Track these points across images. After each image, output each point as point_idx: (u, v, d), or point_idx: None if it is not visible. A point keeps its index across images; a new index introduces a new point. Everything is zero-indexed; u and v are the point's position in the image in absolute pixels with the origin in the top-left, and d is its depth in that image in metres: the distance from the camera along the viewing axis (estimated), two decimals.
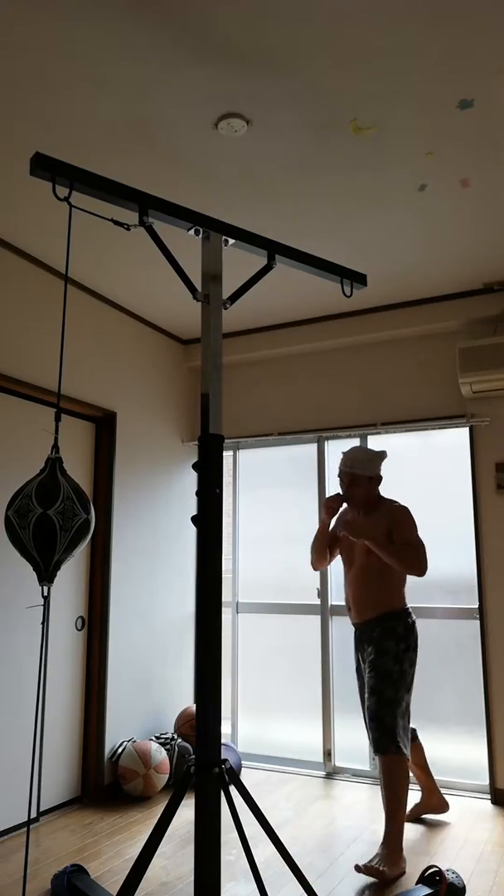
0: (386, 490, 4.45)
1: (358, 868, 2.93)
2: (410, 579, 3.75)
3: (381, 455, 3.39)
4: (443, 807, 3.56)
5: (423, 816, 3.59)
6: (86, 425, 4.13)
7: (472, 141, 2.69)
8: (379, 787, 3.37)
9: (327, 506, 3.42)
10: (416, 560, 3.19)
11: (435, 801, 3.55)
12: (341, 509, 3.53)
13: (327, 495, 4.55)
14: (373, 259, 3.69)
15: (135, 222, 2.12)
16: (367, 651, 3.30)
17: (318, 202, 3.13)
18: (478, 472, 4.10)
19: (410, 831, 3.40)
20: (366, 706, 3.21)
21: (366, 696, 3.22)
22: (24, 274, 3.64)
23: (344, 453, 3.42)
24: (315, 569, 3.58)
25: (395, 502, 3.39)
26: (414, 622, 3.30)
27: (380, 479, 3.40)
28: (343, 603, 4.44)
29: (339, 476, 3.41)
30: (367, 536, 3.19)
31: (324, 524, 3.49)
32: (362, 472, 3.34)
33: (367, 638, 3.30)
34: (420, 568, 3.19)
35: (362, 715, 3.31)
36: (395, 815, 3.03)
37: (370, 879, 2.90)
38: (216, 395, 2.11)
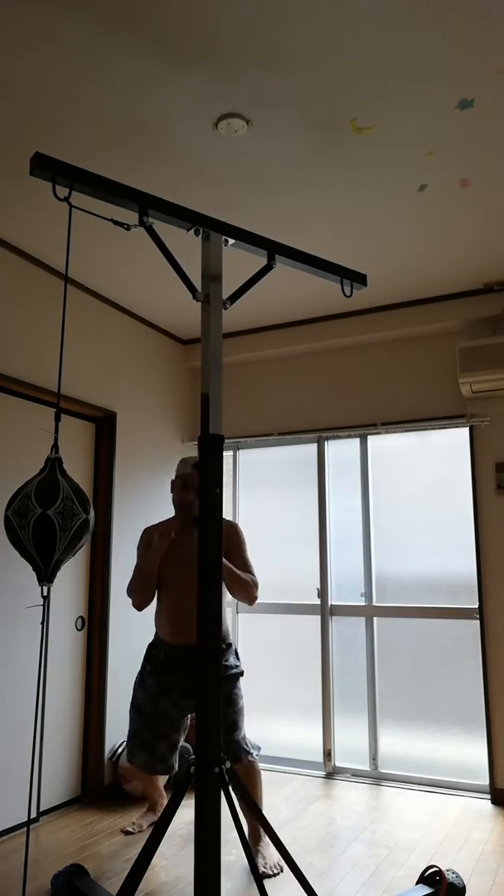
0: (386, 490, 4.45)
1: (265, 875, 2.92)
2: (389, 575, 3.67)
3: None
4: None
5: (408, 817, 3.59)
6: (86, 425, 4.13)
7: (472, 141, 2.69)
8: (376, 787, 3.34)
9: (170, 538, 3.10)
10: (252, 590, 3.09)
11: (158, 805, 3.54)
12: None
13: (327, 495, 4.56)
14: (373, 259, 3.69)
15: (135, 222, 2.12)
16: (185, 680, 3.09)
17: (318, 202, 3.13)
18: (478, 472, 4.10)
19: (410, 831, 3.40)
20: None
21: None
22: (24, 274, 3.64)
23: (184, 461, 3.18)
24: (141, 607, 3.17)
25: (230, 521, 3.22)
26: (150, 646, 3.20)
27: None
28: (341, 603, 4.44)
29: (185, 482, 3.13)
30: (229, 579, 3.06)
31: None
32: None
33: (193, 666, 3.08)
34: (250, 596, 3.08)
35: (139, 735, 3.13)
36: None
37: (370, 879, 2.90)
38: (216, 395, 2.11)
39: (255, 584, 3.09)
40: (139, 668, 3.21)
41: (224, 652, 3.12)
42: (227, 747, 3.06)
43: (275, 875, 2.93)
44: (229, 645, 3.18)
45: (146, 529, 3.25)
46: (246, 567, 3.13)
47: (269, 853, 3.05)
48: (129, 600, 4.21)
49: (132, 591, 3.13)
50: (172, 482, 3.21)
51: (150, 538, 3.17)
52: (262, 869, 2.95)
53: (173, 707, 3.09)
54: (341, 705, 4.39)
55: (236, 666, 3.17)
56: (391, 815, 3.61)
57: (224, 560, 3.02)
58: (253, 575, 3.12)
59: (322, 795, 3.94)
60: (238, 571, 3.05)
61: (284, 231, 3.40)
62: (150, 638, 4.36)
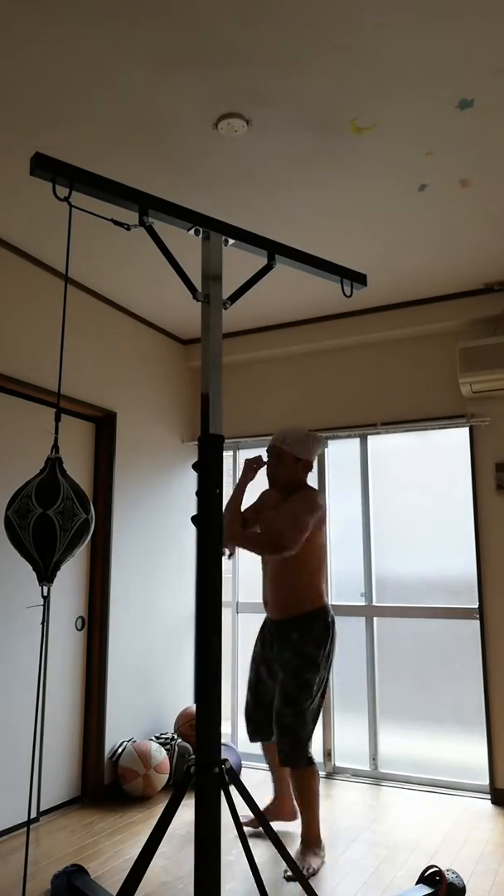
0: (386, 490, 4.45)
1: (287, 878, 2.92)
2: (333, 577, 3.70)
3: (319, 440, 3.19)
4: (291, 815, 3.38)
5: (405, 821, 3.59)
6: (86, 425, 4.13)
7: (472, 141, 2.69)
8: (376, 787, 3.34)
9: (247, 465, 3.20)
10: (266, 542, 3.00)
11: (285, 809, 3.40)
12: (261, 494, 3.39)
13: (327, 495, 4.56)
14: (373, 259, 3.69)
15: (135, 222, 2.12)
16: (280, 651, 3.11)
17: (318, 202, 3.13)
18: (478, 472, 4.10)
19: (410, 831, 3.40)
20: (277, 713, 3.05)
21: (277, 701, 3.07)
22: (24, 274, 3.64)
23: (280, 429, 3.25)
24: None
25: (309, 488, 3.17)
26: (331, 621, 3.11)
27: (309, 465, 3.19)
28: (341, 603, 4.44)
29: (268, 450, 3.24)
30: (233, 542, 3.06)
31: (239, 486, 3.25)
32: (291, 450, 3.15)
33: (282, 638, 3.11)
34: (270, 547, 2.97)
35: (249, 700, 3.26)
36: (314, 822, 3.08)
37: (370, 879, 2.90)
38: (216, 395, 2.11)
39: (268, 541, 2.99)
40: (324, 653, 3.10)
41: (301, 633, 3.05)
42: (279, 748, 3.04)
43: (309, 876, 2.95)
44: (306, 628, 3.06)
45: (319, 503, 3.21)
46: (279, 524, 3.02)
47: (310, 862, 3.02)
48: (130, 600, 4.21)
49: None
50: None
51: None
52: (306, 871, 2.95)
53: (268, 675, 3.21)
54: (341, 705, 4.39)
55: (314, 655, 3.03)
56: (391, 815, 3.61)
57: (238, 531, 3.11)
58: (275, 529, 2.99)
59: (322, 795, 3.93)
60: (247, 534, 3.11)
61: (284, 231, 3.40)
62: (150, 637, 4.38)
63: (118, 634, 4.09)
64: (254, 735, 3.31)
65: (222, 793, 1.92)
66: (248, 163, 2.83)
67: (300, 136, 2.66)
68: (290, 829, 3.36)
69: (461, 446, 4.25)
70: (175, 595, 4.65)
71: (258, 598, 4.72)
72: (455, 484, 4.24)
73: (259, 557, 3.29)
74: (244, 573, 4.82)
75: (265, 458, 3.28)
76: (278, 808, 3.42)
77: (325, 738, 4.36)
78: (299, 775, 3.05)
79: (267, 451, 3.24)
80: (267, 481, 3.29)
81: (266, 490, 3.37)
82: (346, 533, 4.51)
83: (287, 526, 3.00)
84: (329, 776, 4.27)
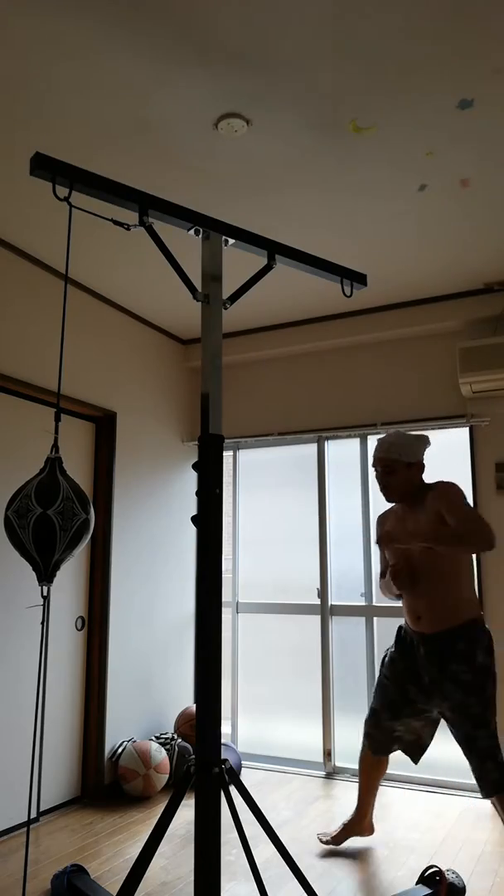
0: None
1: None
2: None
3: (423, 439, 3.03)
4: (369, 830, 3.24)
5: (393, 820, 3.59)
6: (86, 425, 4.13)
7: (472, 141, 2.69)
8: (374, 788, 3.27)
9: (384, 542, 2.86)
10: (473, 534, 2.69)
11: (366, 824, 3.23)
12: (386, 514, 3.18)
13: (327, 495, 4.56)
14: (373, 259, 3.69)
15: (135, 222, 2.13)
16: (443, 668, 2.84)
17: (318, 202, 3.13)
18: (478, 472, 4.10)
19: (410, 831, 3.40)
20: (464, 734, 2.76)
21: (463, 726, 2.76)
22: (24, 274, 3.64)
23: (379, 439, 3.06)
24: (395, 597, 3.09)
25: (441, 482, 2.95)
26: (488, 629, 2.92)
27: (422, 466, 3.02)
28: (341, 603, 4.44)
29: (374, 465, 3.04)
30: (418, 539, 2.74)
31: (393, 561, 2.99)
32: (400, 457, 2.97)
33: (443, 651, 2.84)
34: (482, 540, 2.69)
35: (385, 716, 3.03)
36: None
37: (370, 880, 2.90)
38: (216, 395, 2.11)
39: (475, 531, 2.71)
40: (491, 661, 2.84)
41: (471, 651, 2.80)
42: (474, 772, 2.75)
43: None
44: (475, 639, 2.81)
45: (379, 519, 3.19)
46: (463, 522, 2.77)
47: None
48: (130, 600, 4.21)
49: (386, 595, 3.14)
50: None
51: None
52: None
53: (421, 695, 2.94)
54: (341, 705, 4.39)
55: (484, 672, 2.78)
56: (391, 815, 3.61)
57: (429, 540, 2.73)
58: (473, 523, 2.75)
59: (322, 795, 3.94)
60: (448, 537, 2.73)
61: (285, 231, 3.40)
62: (150, 637, 4.38)
63: (118, 634, 4.09)
64: (378, 749, 3.12)
65: (222, 793, 1.92)
66: (248, 163, 2.83)
67: (300, 136, 2.66)
68: (370, 843, 3.25)
69: (461, 446, 4.25)
70: (175, 595, 4.65)
71: (258, 598, 4.74)
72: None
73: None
74: (244, 573, 4.82)
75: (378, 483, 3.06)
76: (362, 824, 3.23)
77: (325, 738, 4.36)
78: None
79: (373, 465, 3.05)
80: (383, 496, 3.06)
81: (387, 511, 3.19)
82: (346, 533, 4.51)
83: (479, 519, 2.77)
84: (329, 776, 4.27)
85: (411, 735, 3.10)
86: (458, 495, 2.87)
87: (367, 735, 3.16)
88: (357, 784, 3.24)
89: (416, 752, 3.13)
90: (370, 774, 3.19)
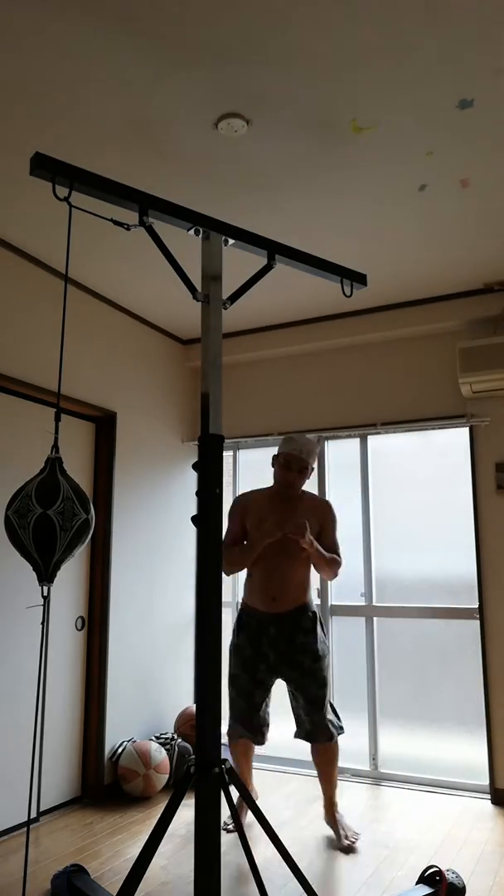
0: (386, 490, 4.45)
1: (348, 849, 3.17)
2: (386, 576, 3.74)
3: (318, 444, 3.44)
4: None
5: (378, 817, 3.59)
6: (86, 425, 4.13)
7: (472, 141, 2.69)
8: (322, 777, 3.40)
9: (274, 528, 3.20)
10: (339, 564, 3.32)
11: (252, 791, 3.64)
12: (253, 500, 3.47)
13: (327, 495, 4.56)
14: (373, 259, 3.69)
15: (135, 222, 2.13)
16: (293, 640, 3.28)
17: (318, 202, 3.13)
18: (478, 472, 4.10)
19: (410, 831, 3.40)
20: (311, 695, 3.25)
21: (310, 688, 3.25)
22: (24, 274, 3.64)
23: (293, 439, 3.32)
24: (231, 573, 3.44)
25: (325, 499, 3.46)
26: None
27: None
28: (341, 603, 4.44)
29: (287, 464, 3.31)
30: (302, 537, 3.12)
31: (273, 540, 3.27)
32: (311, 462, 3.34)
33: (296, 627, 3.30)
34: (338, 572, 3.33)
35: (244, 706, 3.31)
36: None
37: (370, 880, 2.90)
38: (216, 395, 2.11)
39: (340, 563, 3.33)
40: (233, 635, 3.38)
41: (313, 625, 3.34)
42: (314, 727, 3.27)
43: (355, 842, 3.23)
44: (315, 615, 3.37)
45: (239, 498, 3.47)
46: (335, 546, 3.38)
47: (346, 823, 3.35)
48: (129, 600, 4.21)
49: (226, 569, 3.37)
50: (275, 457, 3.42)
51: (245, 511, 3.39)
52: (345, 842, 3.20)
53: (267, 673, 3.32)
54: (341, 705, 4.38)
55: (324, 641, 3.37)
56: (391, 815, 3.61)
57: (314, 542, 3.22)
58: (338, 555, 3.36)
59: (322, 795, 3.93)
60: (326, 554, 3.28)
61: (284, 231, 3.40)
62: (150, 637, 4.38)
63: (118, 634, 4.09)
64: (260, 737, 3.38)
65: (222, 793, 1.92)
66: (248, 163, 2.83)
67: (300, 135, 2.66)
68: (370, 843, 3.29)
69: (461, 446, 4.25)
70: (175, 595, 4.65)
71: None
72: (455, 484, 4.24)
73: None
74: (244, 573, 4.81)
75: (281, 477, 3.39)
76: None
77: None
78: (335, 745, 3.34)
79: (286, 464, 3.33)
80: (283, 489, 3.38)
81: (254, 494, 3.47)
82: (346, 533, 4.50)
83: (338, 550, 3.41)
84: None
85: (265, 710, 3.40)
86: (336, 520, 3.43)
87: (248, 730, 3.35)
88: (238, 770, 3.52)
89: (266, 725, 3.42)
90: (248, 757, 3.50)
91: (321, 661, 3.28)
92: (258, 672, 3.31)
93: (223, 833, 3.37)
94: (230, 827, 3.43)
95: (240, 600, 3.49)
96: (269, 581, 3.31)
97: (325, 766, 3.32)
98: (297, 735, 3.36)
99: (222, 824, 3.43)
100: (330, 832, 3.39)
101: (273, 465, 3.42)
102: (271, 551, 3.31)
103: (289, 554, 3.31)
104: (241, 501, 3.46)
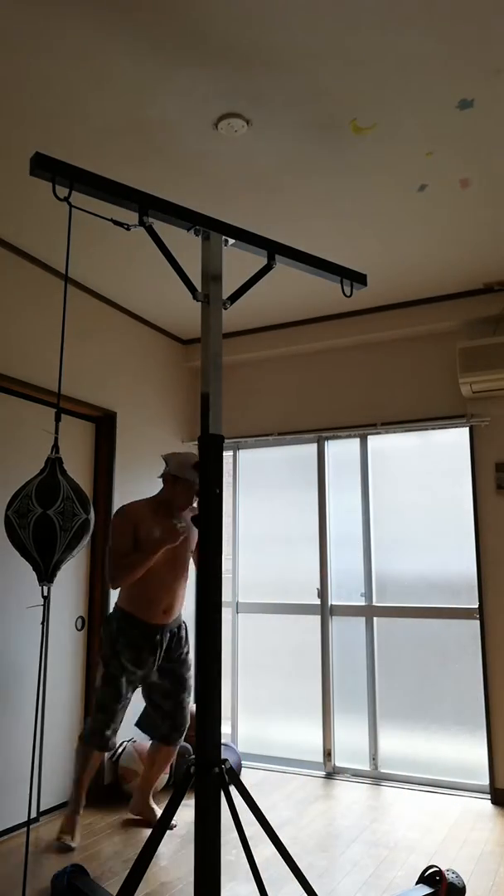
0: (386, 490, 4.46)
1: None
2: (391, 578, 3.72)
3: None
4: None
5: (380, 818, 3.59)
6: (86, 425, 4.13)
7: (472, 141, 2.69)
8: (160, 770, 3.51)
9: (176, 536, 3.20)
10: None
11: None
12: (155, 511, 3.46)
13: (327, 495, 4.56)
14: (373, 259, 3.69)
15: (135, 222, 2.13)
16: (179, 648, 3.43)
17: (318, 202, 3.13)
18: (478, 472, 4.10)
19: (410, 831, 3.40)
20: (181, 701, 3.43)
21: (183, 693, 3.43)
22: (25, 274, 3.64)
23: (194, 467, 3.26)
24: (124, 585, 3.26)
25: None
26: None
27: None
28: (341, 602, 4.44)
29: (191, 487, 3.35)
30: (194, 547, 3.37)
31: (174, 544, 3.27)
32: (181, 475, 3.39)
33: (181, 636, 3.46)
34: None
35: (123, 714, 3.33)
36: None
37: (370, 880, 2.90)
38: (216, 395, 2.11)
39: (109, 576, 3.28)
40: (111, 645, 3.31)
41: (187, 635, 3.55)
42: (175, 728, 3.45)
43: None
44: (185, 624, 3.56)
45: (127, 509, 3.33)
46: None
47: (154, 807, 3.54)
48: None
49: (124, 577, 3.18)
50: (173, 477, 3.36)
51: (134, 525, 3.31)
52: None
53: (140, 681, 3.39)
54: (341, 705, 4.39)
55: (191, 647, 3.60)
56: (391, 815, 3.61)
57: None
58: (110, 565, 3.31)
59: (322, 795, 3.94)
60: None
61: (284, 231, 3.40)
62: None
63: None
64: (113, 743, 3.35)
65: (222, 793, 1.92)
66: (248, 163, 2.83)
67: (300, 135, 2.66)
68: (371, 843, 3.32)
69: (461, 446, 4.25)
70: None
71: (258, 598, 4.74)
72: (455, 484, 4.25)
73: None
74: (244, 573, 4.82)
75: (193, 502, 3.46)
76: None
77: (325, 738, 4.36)
78: (174, 751, 3.53)
79: (192, 488, 3.37)
80: (178, 509, 3.40)
81: (139, 504, 3.40)
82: (346, 533, 4.51)
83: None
84: (329, 776, 4.27)
85: (123, 717, 3.43)
86: (112, 529, 3.40)
87: (108, 736, 3.31)
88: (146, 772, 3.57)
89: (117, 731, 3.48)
90: (97, 765, 3.44)
91: (191, 669, 3.51)
92: (134, 678, 3.34)
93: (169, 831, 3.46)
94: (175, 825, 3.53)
95: (113, 608, 3.60)
96: (162, 593, 3.34)
97: (167, 762, 3.50)
98: (154, 736, 3.49)
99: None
100: (330, 832, 3.39)
101: (165, 483, 3.39)
102: (164, 565, 3.34)
103: (177, 567, 3.39)
104: (129, 513, 3.34)
